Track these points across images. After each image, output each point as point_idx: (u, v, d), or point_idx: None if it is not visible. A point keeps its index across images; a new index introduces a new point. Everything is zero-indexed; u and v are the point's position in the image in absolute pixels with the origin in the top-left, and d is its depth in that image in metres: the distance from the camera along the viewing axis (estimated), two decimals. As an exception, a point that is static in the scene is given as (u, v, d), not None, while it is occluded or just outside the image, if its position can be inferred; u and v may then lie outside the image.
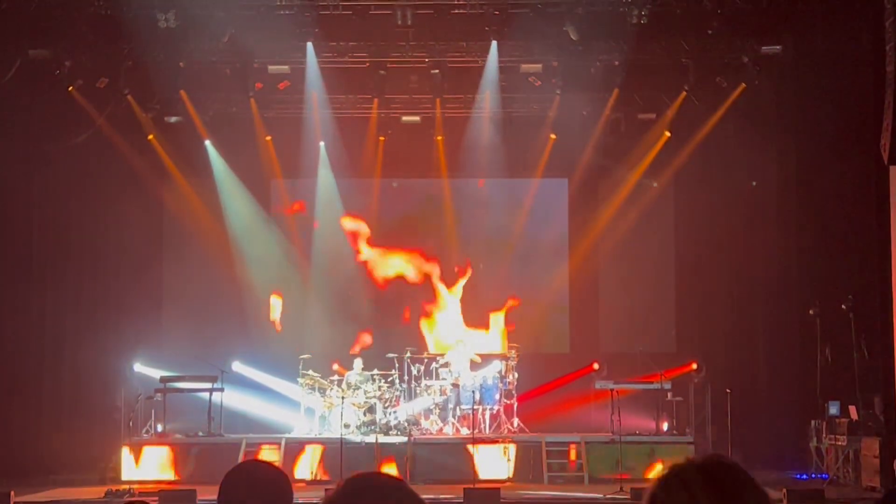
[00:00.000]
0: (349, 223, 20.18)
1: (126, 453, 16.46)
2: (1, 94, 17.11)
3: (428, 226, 20.40)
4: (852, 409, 16.05)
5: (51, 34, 17.25)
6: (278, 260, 20.22)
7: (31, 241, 18.88)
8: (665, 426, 17.54)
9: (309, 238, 20.26)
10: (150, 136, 18.97)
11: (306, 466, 16.49)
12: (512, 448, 16.56)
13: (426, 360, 18.10)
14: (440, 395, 17.82)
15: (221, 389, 17.38)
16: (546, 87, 18.48)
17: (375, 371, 17.75)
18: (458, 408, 17.64)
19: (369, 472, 2.44)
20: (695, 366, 18.13)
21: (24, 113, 17.78)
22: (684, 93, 18.26)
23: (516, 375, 18.14)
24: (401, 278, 20.23)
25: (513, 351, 18.45)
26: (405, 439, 16.51)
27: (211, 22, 16.77)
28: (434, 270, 20.20)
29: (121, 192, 19.11)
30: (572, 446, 16.73)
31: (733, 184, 19.20)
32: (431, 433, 17.35)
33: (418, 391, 17.89)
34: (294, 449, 16.62)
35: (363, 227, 20.19)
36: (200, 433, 17.08)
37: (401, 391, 17.74)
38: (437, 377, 18.00)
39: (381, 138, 19.73)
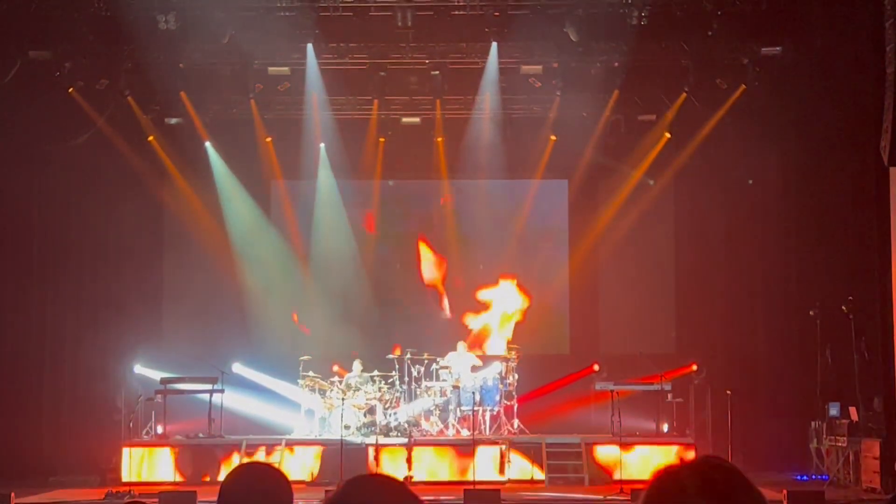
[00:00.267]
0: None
1: (126, 455, 16.44)
2: (1, 96, 17.12)
3: (428, 225, 20.41)
4: (852, 411, 16.04)
5: (51, 35, 17.26)
6: (278, 261, 20.21)
7: (32, 242, 18.89)
8: (665, 427, 17.54)
9: (309, 238, 20.26)
10: (151, 138, 18.97)
11: (306, 468, 16.48)
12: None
13: (426, 362, 18.09)
14: (440, 396, 17.82)
15: (222, 391, 17.37)
16: (546, 88, 18.49)
17: (376, 372, 17.75)
18: (458, 409, 17.64)
19: (370, 473, 2.45)
20: (695, 367, 18.12)
21: (24, 114, 17.74)
22: (684, 94, 18.25)
23: (516, 377, 18.13)
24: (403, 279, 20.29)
25: (513, 352, 18.45)
26: (405, 440, 16.51)
27: (211, 23, 16.76)
28: (436, 273, 20.23)
29: (121, 194, 19.11)
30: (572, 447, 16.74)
31: (733, 185, 19.21)
32: (432, 434, 17.35)
33: (418, 392, 17.89)
34: (294, 450, 16.64)
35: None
36: (201, 434, 17.08)
37: (401, 392, 17.74)
38: (438, 378, 18.01)
39: (382, 139, 19.70)
